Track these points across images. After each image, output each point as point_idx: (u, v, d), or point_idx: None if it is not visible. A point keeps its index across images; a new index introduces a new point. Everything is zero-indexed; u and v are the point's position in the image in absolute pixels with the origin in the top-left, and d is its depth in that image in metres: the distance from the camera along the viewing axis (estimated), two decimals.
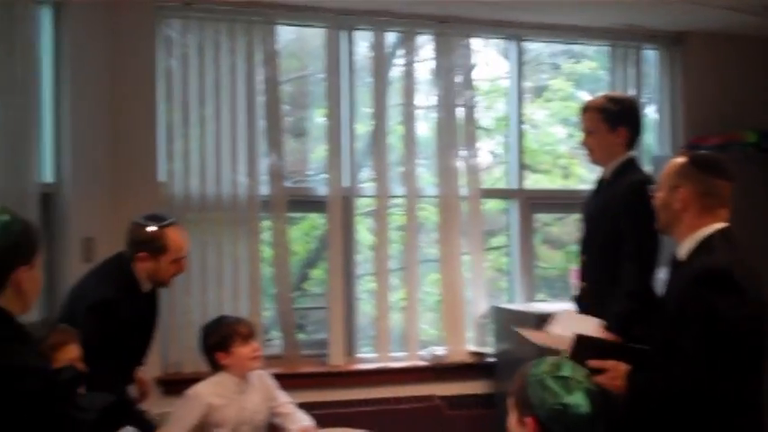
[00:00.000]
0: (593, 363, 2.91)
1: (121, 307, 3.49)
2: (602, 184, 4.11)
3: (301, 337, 5.28)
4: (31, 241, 2.38)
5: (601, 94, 4.18)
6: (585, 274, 4.04)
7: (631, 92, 5.68)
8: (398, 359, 5.20)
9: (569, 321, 3.89)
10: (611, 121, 3.94)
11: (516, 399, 2.36)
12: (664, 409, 2.92)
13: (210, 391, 3.82)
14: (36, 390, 2.24)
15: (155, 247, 3.60)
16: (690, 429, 2.89)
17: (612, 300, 3.80)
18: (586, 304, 4.04)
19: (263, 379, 4.01)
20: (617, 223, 3.86)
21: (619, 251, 3.85)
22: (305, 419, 3.93)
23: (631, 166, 4.01)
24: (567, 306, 4.61)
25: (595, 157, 4.06)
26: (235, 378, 3.87)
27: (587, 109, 4.02)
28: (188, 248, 3.75)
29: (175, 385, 4.08)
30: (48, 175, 4.59)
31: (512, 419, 2.38)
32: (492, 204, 5.91)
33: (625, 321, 3.65)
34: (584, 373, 2.36)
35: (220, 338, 3.86)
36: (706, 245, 2.91)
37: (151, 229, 3.62)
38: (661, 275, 3.84)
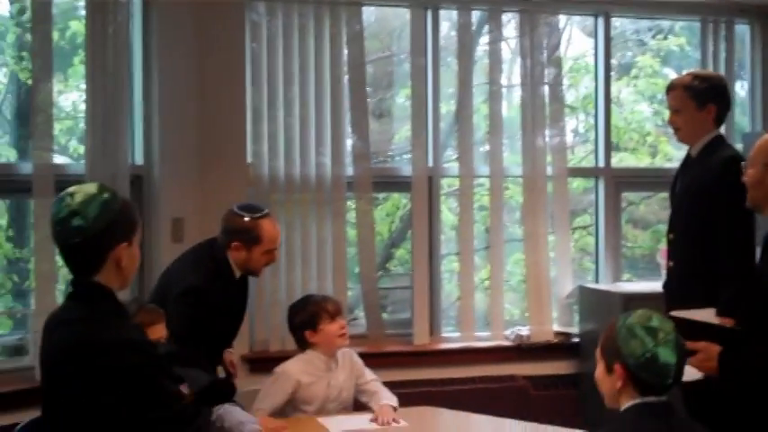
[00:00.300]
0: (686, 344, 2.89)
1: (211, 294, 3.56)
2: (689, 161, 4.06)
3: (385, 316, 5.31)
4: (130, 219, 2.44)
5: (687, 72, 4.12)
6: (673, 253, 3.98)
7: (721, 68, 5.56)
8: (482, 339, 5.20)
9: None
10: (699, 98, 3.89)
11: (605, 348, 2.44)
12: (757, 391, 2.88)
13: (299, 369, 3.88)
14: (137, 363, 2.31)
15: (249, 237, 3.65)
16: None
17: (711, 274, 3.74)
18: (674, 284, 4.00)
19: (349, 357, 4.05)
20: (708, 201, 3.80)
21: (709, 230, 3.79)
22: (390, 398, 3.95)
23: (720, 142, 3.95)
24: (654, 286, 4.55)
25: (683, 136, 4.02)
26: (322, 356, 3.91)
27: (674, 87, 3.98)
28: (280, 240, 3.79)
29: (262, 363, 4.16)
30: (138, 158, 4.71)
31: (599, 369, 2.47)
32: (577, 183, 5.86)
33: (735, 303, 3.59)
34: (671, 324, 2.41)
35: (308, 317, 3.91)
36: None
37: (247, 219, 3.67)
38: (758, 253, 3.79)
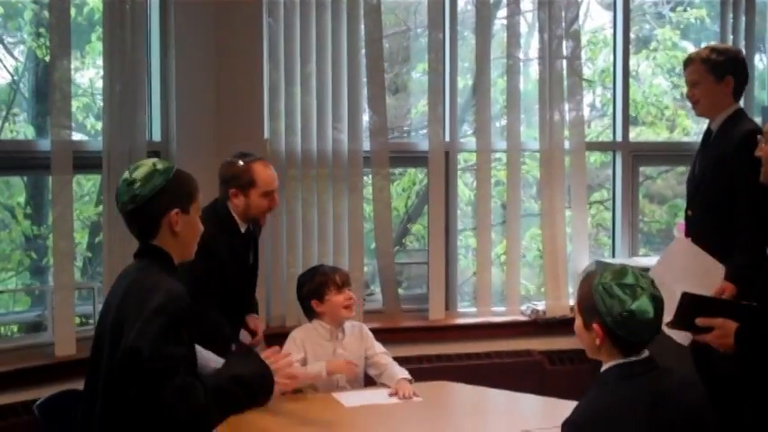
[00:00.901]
0: (701, 321, 2.90)
1: (219, 245, 3.63)
2: (709, 136, 4.05)
3: (401, 291, 5.32)
4: (184, 187, 2.65)
5: (704, 45, 4.11)
6: (691, 229, 4.00)
7: (741, 40, 5.51)
8: (498, 314, 5.21)
9: (684, 254, 3.84)
10: (718, 71, 3.93)
11: (582, 305, 2.50)
12: None
13: (305, 336, 3.94)
14: (174, 309, 2.49)
15: (243, 181, 3.74)
16: None
17: (731, 252, 3.74)
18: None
19: (359, 329, 4.10)
20: (729, 177, 3.80)
21: (730, 206, 3.78)
22: (401, 372, 3.98)
23: (741, 116, 3.96)
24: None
25: (702, 110, 4.03)
26: (328, 325, 3.97)
27: (691, 61, 4.00)
28: (277, 182, 3.85)
29: (279, 338, 4.16)
30: (156, 134, 4.73)
31: (578, 323, 2.54)
32: (595, 158, 5.84)
33: (745, 273, 3.59)
34: (648, 279, 2.45)
35: (315, 286, 3.99)
36: None
37: (240, 164, 3.78)
38: None
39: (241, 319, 3.96)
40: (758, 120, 5.37)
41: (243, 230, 3.87)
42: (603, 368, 2.48)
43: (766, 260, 3.16)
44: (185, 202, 2.64)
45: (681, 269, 3.80)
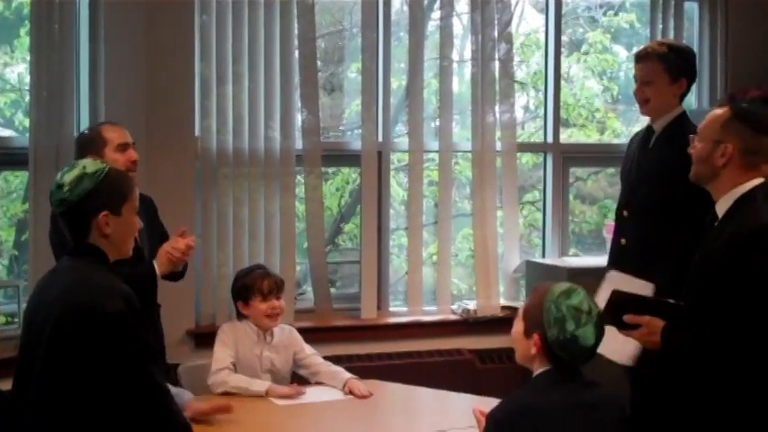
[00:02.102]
0: (629, 318, 2.95)
1: None
2: (649, 136, 3.95)
3: (332, 290, 5.32)
4: (115, 188, 2.62)
5: (658, 40, 4.00)
6: (627, 230, 3.89)
7: None
8: (430, 313, 5.23)
9: (619, 284, 3.84)
10: (674, 72, 3.76)
11: (528, 314, 2.58)
12: (700, 366, 2.92)
13: (235, 335, 3.93)
14: (118, 308, 2.48)
15: (94, 143, 3.71)
16: (725, 386, 2.88)
17: (667, 253, 3.72)
18: (627, 262, 3.93)
19: (288, 332, 4.09)
20: (672, 183, 3.68)
21: (669, 209, 3.71)
22: (341, 371, 3.98)
23: (686, 121, 3.80)
24: (599, 261, 4.59)
25: (650, 110, 3.82)
26: (255, 328, 3.96)
27: (647, 56, 3.81)
28: (130, 137, 3.79)
29: (208, 338, 4.15)
30: (84, 129, 4.65)
31: (518, 328, 2.62)
32: (527, 159, 5.90)
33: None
34: (594, 304, 2.53)
35: (242, 288, 3.96)
36: (746, 202, 2.86)
37: (85, 132, 3.85)
38: None
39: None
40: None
41: None
42: (535, 373, 2.56)
43: (692, 260, 3.19)
44: (116, 204, 2.61)
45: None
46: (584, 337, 2.46)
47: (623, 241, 3.91)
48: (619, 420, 2.55)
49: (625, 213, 3.90)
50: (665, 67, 3.75)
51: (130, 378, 2.46)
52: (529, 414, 2.45)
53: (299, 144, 4.97)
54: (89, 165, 2.62)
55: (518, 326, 2.62)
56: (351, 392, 3.81)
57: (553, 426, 2.43)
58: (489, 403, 2.83)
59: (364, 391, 3.80)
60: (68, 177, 2.58)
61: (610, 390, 2.63)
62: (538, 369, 2.55)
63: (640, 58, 3.84)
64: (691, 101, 5.79)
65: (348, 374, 3.94)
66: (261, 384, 3.81)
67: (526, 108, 6.36)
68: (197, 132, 4.82)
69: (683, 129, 3.72)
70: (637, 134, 4.09)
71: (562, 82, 5.69)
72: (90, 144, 3.73)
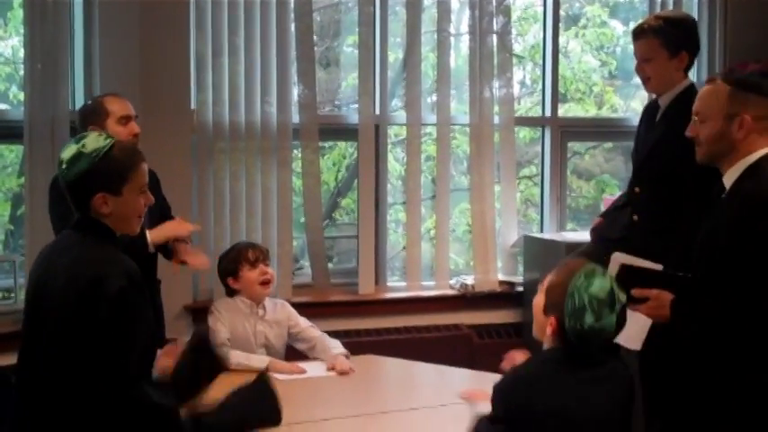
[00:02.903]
0: (637, 292, 2.89)
1: None
2: (656, 111, 3.89)
3: (330, 266, 5.30)
4: (114, 168, 2.56)
5: (654, 15, 3.91)
6: (638, 206, 3.82)
7: None
8: (428, 288, 5.22)
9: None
10: (672, 46, 3.65)
11: (551, 294, 2.50)
12: (709, 338, 2.89)
13: (227, 312, 3.93)
14: (122, 285, 2.45)
15: (97, 115, 3.68)
16: (734, 358, 2.85)
17: (680, 228, 3.67)
18: (638, 239, 3.90)
19: (281, 306, 4.09)
20: (681, 158, 3.63)
21: (679, 185, 3.67)
22: (336, 346, 3.98)
23: (693, 94, 3.72)
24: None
25: (653, 87, 3.74)
26: (248, 302, 3.95)
27: (643, 33, 3.70)
28: (132, 110, 3.77)
29: (205, 313, 4.13)
30: (80, 104, 4.60)
31: (539, 300, 2.55)
32: (525, 134, 5.87)
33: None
34: (620, 296, 2.44)
35: (229, 263, 3.98)
36: (754, 171, 2.83)
37: (88, 103, 3.81)
38: None
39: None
40: None
41: None
42: (545, 347, 2.52)
43: (699, 231, 3.16)
44: (114, 185, 2.55)
45: None
46: (603, 330, 2.40)
47: (635, 218, 3.85)
48: (625, 396, 2.52)
49: (636, 190, 3.84)
50: (662, 42, 3.65)
51: (112, 363, 2.42)
52: (538, 387, 2.42)
53: (295, 118, 4.93)
54: (90, 142, 2.55)
55: (539, 298, 2.55)
56: (332, 368, 3.81)
57: (564, 398, 2.40)
58: (486, 378, 2.83)
59: (345, 368, 3.79)
60: (67, 155, 2.54)
61: (617, 365, 2.59)
62: (549, 345, 2.51)
63: (637, 34, 3.73)
64: (691, 75, 5.76)
65: (337, 350, 3.94)
66: (261, 360, 3.80)
67: (523, 83, 6.32)
68: (193, 106, 4.78)
69: (689, 103, 3.68)
70: (645, 109, 4.04)
71: (560, 56, 5.65)
72: (92, 115, 3.70)
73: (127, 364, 2.44)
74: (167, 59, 4.70)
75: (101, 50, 4.56)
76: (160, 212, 3.81)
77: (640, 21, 3.88)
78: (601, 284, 2.42)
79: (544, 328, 2.50)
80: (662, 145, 3.70)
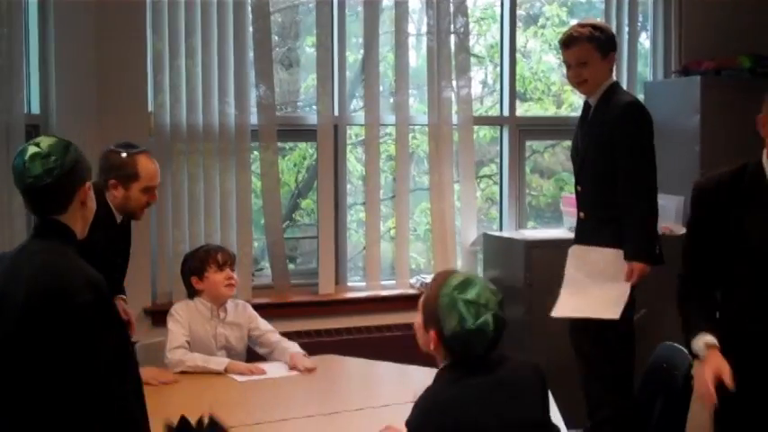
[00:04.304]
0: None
1: (95, 236, 3.47)
2: (588, 110, 4.09)
3: (291, 267, 5.31)
4: (87, 161, 2.54)
5: (578, 24, 4.11)
6: (583, 204, 4.05)
7: (625, 18, 5.65)
8: (388, 287, 5.23)
9: (583, 258, 3.95)
10: (603, 48, 3.95)
11: (425, 308, 2.47)
12: None
13: (187, 314, 3.92)
14: (91, 298, 2.36)
15: (126, 173, 3.58)
16: None
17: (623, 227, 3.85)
18: (586, 235, 4.05)
19: (242, 308, 4.09)
20: (611, 149, 3.86)
21: (614, 177, 3.86)
22: (294, 346, 3.99)
23: (616, 88, 4.04)
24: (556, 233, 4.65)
25: (589, 88, 4.01)
26: (210, 304, 3.95)
27: (576, 40, 3.96)
28: (159, 178, 3.72)
29: (164, 315, 4.11)
30: (35, 107, 4.59)
31: (418, 320, 2.52)
32: (485, 133, 5.90)
33: (644, 247, 3.80)
34: (494, 294, 2.42)
35: (196, 263, 3.98)
36: None
37: (122, 155, 3.61)
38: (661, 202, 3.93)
39: None
40: (641, 95, 5.53)
41: (119, 221, 3.71)
42: (440, 366, 2.47)
43: None
44: (90, 175, 2.56)
45: (587, 273, 3.92)
46: (482, 329, 2.34)
47: (582, 215, 4.04)
48: (536, 383, 2.49)
49: (579, 188, 4.07)
50: (595, 46, 3.94)
51: (86, 380, 2.33)
52: (447, 408, 2.33)
53: (254, 119, 4.92)
54: (59, 138, 2.52)
55: (418, 319, 2.51)
56: (294, 367, 3.81)
57: (473, 410, 2.33)
58: None
59: (308, 365, 3.80)
60: (52, 147, 2.46)
61: (520, 359, 2.55)
62: (441, 361, 2.47)
63: (570, 43, 4.00)
64: (646, 73, 5.83)
65: (295, 349, 3.95)
66: (219, 363, 3.80)
67: (485, 83, 6.35)
68: (150, 108, 4.75)
69: (615, 96, 3.91)
70: (580, 116, 4.24)
71: (520, 56, 5.69)
72: (119, 170, 3.58)
73: (106, 377, 2.37)
74: (124, 62, 4.67)
75: (56, 53, 4.52)
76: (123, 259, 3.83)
77: (565, 31, 4.10)
78: (468, 281, 2.41)
79: (428, 346, 2.46)
80: (596, 143, 3.92)
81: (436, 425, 2.31)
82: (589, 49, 3.92)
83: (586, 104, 4.09)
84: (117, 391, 2.38)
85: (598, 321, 3.80)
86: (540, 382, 2.50)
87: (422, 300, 2.51)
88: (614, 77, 4.08)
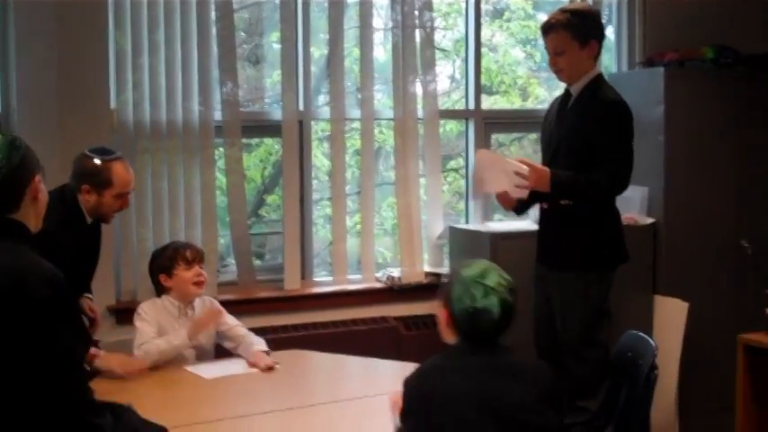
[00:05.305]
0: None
1: (64, 237, 3.45)
2: (567, 99, 4.02)
3: (258, 263, 5.29)
4: (34, 154, 2.50)
5: (559, 9, 4.04)
6: (548, 194, 3.96)
7: None
8: (355, 282, 5.22)
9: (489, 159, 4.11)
10: (582, 36, 3.86)
11: (444, 289, 2.69)
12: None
13: (155, 312, 3.90)
14: (49, 294, 2.33)
15: (99, 180, 3.60)
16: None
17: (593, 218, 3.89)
18: (552, 225, 4.04)
19: (209, 304, 4.07)
20: (591, 146, 3.81)
21: (590, 170, 3.82)
22: (259, 342, 3.98)
23: (601, 82, 3.93)
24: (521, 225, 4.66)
25: (567, 77, 3.94)
26: (176, 301, 3.93)
27: (553, 28, 3.90)
28: (133, 184, 3.76)
29: (129, 313, 4.10)
30: None
31: (438, 308, 2.71)
32: (452, 126, 5.91)
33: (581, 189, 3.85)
34: (504, 281, 2.59)
35: (164, 261, 3.95)
36: None
37: (97, 161, 3.62)
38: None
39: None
40: None
41: (89, 223, 3.74)
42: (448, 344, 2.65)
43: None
44: (39, 168, 2.51)
45: (494, 174, 3.97)
46: (488, 310, 2.52)
47: (545, 206, 4.00)
48: (541, 378, 2.59)
49: None
50: (572, 35, 3.86)
51: (45, 375, 2.29)
52: (432, 373, 2.56)
53: (219, 116, 4.89)
54: (2, 132, 2.54)
55: (438, 306, 2.70)
56: (254, 365, 3.81)
57: (454, 379, 2.50)
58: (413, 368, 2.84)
59: (268, 363, 3.80)
60: None
61: (525, 357, 2.68)
62: (451, 341, 2.65)
63: (547, 30, 3.94)
64: (611, 66, 5.86)
65: (259, 346, 3.94)
66: (180, 337, 3.80)
67: (453, 77, 6.35)
68: (113, 105, 4.71)
69: (599, 91, 3.83)
70: (556, 99, 4.17)
71: (486, 50, 5.70)
72: (93, 176, 3.61)
73: (64, 372, 2.33)
74: (86, 59, 4.61)
75: (16, 50, 4.47)
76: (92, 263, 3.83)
77: (546, 17, 4.03)
78: (486, 270, 2.59)
79: (443, 327, 2.67)
80: (573, 134, 3.85)
81: (428, 388, 2.52)
82: (565, 37, 3.85)
83: (567, 93, 4.02)
84: (75, 387, 2.35)
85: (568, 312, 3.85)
86: (545, 378, 2.60)
87: (443, 284, 2.75)
88: (599, 68, 4.00)
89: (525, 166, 3.82)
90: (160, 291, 3.99)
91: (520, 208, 4.13)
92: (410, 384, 2.57)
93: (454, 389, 2.48)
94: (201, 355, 3.95)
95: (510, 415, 2.47)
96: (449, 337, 2.65)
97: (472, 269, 2.59)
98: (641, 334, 3.65)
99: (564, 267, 3.97)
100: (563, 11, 3.94)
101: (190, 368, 3.82)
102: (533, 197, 3.99)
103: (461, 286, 2.56)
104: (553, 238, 4.04)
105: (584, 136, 3.82)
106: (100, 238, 3.88)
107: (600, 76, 3.96)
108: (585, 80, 3.91)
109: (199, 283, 3.95)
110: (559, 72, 3.96)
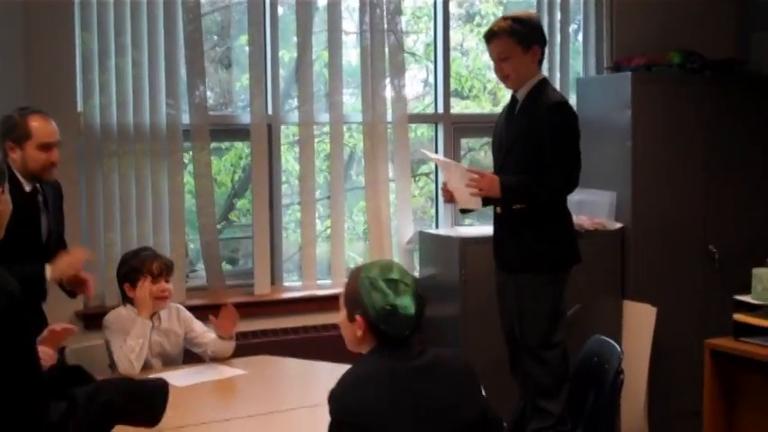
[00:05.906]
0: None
1: None
2: (514, 105, 4.10)
3: (228, 267, 5.26)
4: (2, 165, 2.46)
5: (501, 17, 4.13)
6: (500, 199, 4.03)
7: (557, 14, 5.69)
8: (324, 287, 5.20)
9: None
10: (525, 42, 3.95)
11: (348, 298, 2.56)
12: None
13: (121, 323, 3.84)
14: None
15: (19, 134, 3.65)
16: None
17: (544, 225, 3.92)
18: (505, 229, 4.09)
19: (176, 312, 4.03)
20: (539, 148, 3.89)
21: (539, 173, 3.89)
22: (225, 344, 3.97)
23: (545, 86, 4.04)
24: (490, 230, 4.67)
25: (513, 82, 4.06)
26: None
27: (496, 35, 3.99)
28: (57, 136, 3.74)
29: (97, 319, 4.06)
30: None
31: (342, 316, 2.60)
32: (422, 131, 5.91)
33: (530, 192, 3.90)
34: (412, 277, 2.53)
35: (130, 270, 3.88)
36: None
37: (15, 116, 3.70)
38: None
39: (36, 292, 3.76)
40: (572, 93, 5.59)
41: (28, 189, 3.72)
42: (365, 352, 2.55)
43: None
44: (2, 180, 2.45)
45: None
46: (404, 306, 2.45)
47: (498, 210, 4.07)
48: (464, 374, 2.53)
49: None
50: (516, 41, 3.96)
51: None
52: (358, 384, 2.42)
53: (187, 119, 4.86)
54: None
55: (341, 314, 2.60)
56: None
57: (384, 392, 2.39)
58: None
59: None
60: None
61: (446, 350, 2.61)
62: (367, 349, 2.54)
63: (490, 37, 4.05)
64: (579, 68, 5.89)
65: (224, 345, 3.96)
66: (144, 325, 3.79)
67: (426, 81, 6.35)
68: (79, 108, 4.68)
69: (543, 94, 3.92)
70: (504, 107, 4.26)
71: (458, 54, 5.71)
72: (12, 131, 3.65)
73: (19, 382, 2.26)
74: (52, 61, 4.60)
75: None
76: (58, 231, 3.79)
77: (489, 25, 4.14)
78: (384, 264, 2.54)
79: (355, 338, 2.53)
80: (521, 138, 3.94)
81: (352, 400, 2.38)
82: (509, 43, 3.95)
83: (513, 98, 4.10)
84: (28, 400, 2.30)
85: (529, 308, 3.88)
86: (468, 374, 2.54)
87: (343, 293, 2.60)
88: (545, 73, 4.09)
89: (475, 174, 3.87)
90: (126, 299, 3.94)
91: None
92: (338, 399, 2.41)
93: (385, 401, 2.38)
94: (168, 363, 3.92)
95: (445, 417, 2.42)
96: (363, 346, 2.53)
97: (374, 269, 2.52)
98: (607, 339, 3.67)
99: (518, 270, 4.01)
100: (505, 18, 4.06)
101: (161, 376, 3.77)
102: (486, 202, 4.05)
103: (370, 287, 2.47)
104: (506, 241, 4.10)
105: (532, 138, 3.91)
106: (56, 211, 3.87)
107: (544, 80, 4.06)
108: (530, 85, 4.01)
109: (161, 299, 3.90)
110: (505, 79, 4.06)
